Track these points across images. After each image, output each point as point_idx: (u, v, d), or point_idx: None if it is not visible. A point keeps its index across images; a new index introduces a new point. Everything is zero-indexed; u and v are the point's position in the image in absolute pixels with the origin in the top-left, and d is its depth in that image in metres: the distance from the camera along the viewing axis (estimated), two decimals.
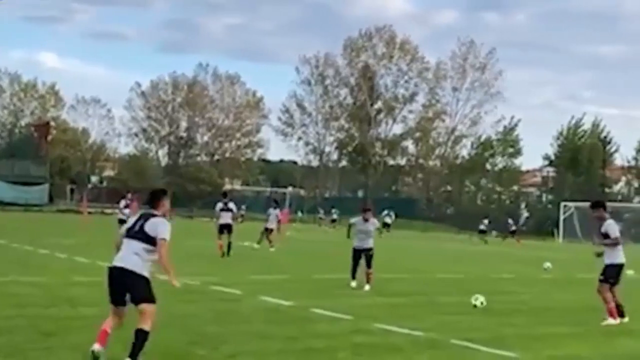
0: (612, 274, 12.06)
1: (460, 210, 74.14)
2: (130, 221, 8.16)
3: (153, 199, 8.12)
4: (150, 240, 7.75)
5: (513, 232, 52.56)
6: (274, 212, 28.16)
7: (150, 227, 7.79)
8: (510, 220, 55.01)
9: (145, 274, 7.74)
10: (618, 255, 12.13)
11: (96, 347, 7.61)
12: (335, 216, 61.45)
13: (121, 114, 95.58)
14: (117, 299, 7.76)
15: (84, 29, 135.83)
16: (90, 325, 9.57)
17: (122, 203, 26.58)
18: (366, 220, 16.07)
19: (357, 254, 16.00)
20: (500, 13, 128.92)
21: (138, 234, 7.82)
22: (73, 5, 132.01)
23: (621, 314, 12.12)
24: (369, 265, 15.83)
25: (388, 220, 54.65)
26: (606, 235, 12.10)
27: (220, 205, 23.23)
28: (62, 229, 35.70)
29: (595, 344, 10.34)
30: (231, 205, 23.47)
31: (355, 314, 11.66)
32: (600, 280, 12.08)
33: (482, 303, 12.92)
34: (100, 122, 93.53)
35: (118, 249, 7.97)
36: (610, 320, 11.98)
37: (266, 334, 9.66)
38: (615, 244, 12.07)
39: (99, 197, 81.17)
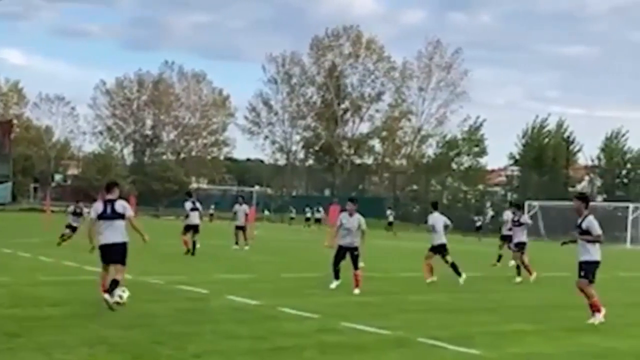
0: (591, 271, 11.88)
1: (427, 209, 74.51)
2: (99, 208, 11.47)
3: (109, 187, 11.75)
4: (122, 216, 11.41)
5: (479, 229, 53.42)
6: (241, 209, 27.62)
7: (118, 207, 11.42)
8: (476, 217, 55.82)
9: (127, 240, 11.53)
10: (596, 252, 11.94)
11: (107, 296, 10.97)
12: (309, 215, 61.26)
13: (85, 112, 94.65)
14: (108, 262, 11.48)
15: (48, 26, 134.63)
16: (56, 326, 9.49)
17: (71, 208, 25.82)
18: (351, 215, 15.19)
19: (342, 251, 15.17)
20: (467, 13, 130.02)
21: (114, 214, 11.37)
22: (37, 2, 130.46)
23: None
24: (355, 266, 15.08)
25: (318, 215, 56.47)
26: (587, 231, 11.90)
27: (189, 204, 23.34)
28: (25, 228, 35.27)
29: (559, 342, 10.45)
30: (198, 204, 23.72)
31: (323, 313, 11.67)
32: (581, 277, 11.87)
33: None
34: (64, 120, 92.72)
35: (94, 232, 11.57)
36: (598, 316, 11.83)
37: (233, 334, 9.62)
38: (596, 241, 11.91)
39: (63, 195, 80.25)
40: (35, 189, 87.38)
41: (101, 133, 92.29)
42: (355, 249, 15.14)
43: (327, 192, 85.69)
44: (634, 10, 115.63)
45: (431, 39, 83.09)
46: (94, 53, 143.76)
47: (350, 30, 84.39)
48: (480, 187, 79.01)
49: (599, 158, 72.99)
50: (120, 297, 11.09)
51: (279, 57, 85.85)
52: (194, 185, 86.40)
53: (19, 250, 21.03)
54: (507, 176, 79.49)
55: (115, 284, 11.12)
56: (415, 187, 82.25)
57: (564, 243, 12.46)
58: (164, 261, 19.96)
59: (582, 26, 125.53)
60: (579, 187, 74.06)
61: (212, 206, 64.03)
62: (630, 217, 53.97)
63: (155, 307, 11.67)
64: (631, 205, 55.12)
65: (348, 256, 15.19)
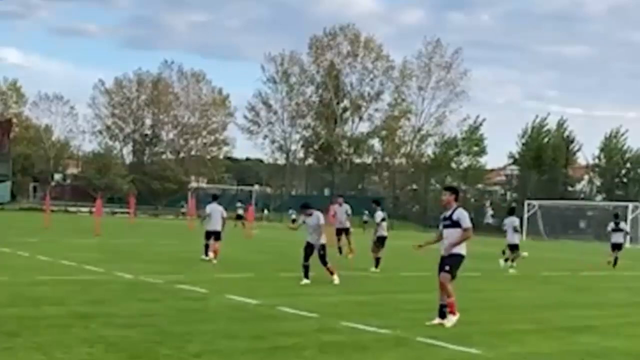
0: (456, 265, 11.38)
1: (427, 209, 74.55)
2: None
3: None
4: None
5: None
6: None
7: None
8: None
9: None
10: (462, 246, 11.33)
11: None
12: (294, 216, 60.59)
13: (85, 112, 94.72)
14: None
15: (47, 25, 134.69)
16: (55, 325, 9.48)
17: None
18: (309, 215, 16.17)
19: (309, 248, 16.08)
20: (466, 13, 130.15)
21: None
22: (35, 1, 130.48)
23: (443, 315, 11.30)
24: (323, 262, 16.01)
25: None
26: (457, 223, 11.24)
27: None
28: (24, 227, 35.23)
29: (559, 341, 10.44)
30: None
31: (322, 312, 11.66)
32: (445, 271, 11.28)
33: None
34: (63, 119, 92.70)
35: None
36: (452, 318, 11.21)
37: (232, 333, 9.61)
38: (465, 236, 11.19)
39: (62, 195, 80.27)
40: (34, 188, 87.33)
41: (100, 132, 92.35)
42: (323, 246, 16.04)
43: (326, 192, 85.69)
44: (631, 10, 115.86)
45: (431, 39, 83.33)
46: (92, 52, 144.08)
47: (347, 29, 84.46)
48: (480, 186, 79.12)
49: (598, 157, 73.07)
50: None
51: (278, 57, 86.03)
52: (194, 185, 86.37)
53: (18, 250, 21.01)
54: (506, 176, 79.62)
55: None
56: (414, 186, 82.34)
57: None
58: (162, 260, 19.94)
59: (581, 26, 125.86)
60: (579, 187, 74.15)
61: None
62: (629, 217, 54.00)
63: (154, 306, 11.65)
64: (630, 205, 55.17)
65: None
